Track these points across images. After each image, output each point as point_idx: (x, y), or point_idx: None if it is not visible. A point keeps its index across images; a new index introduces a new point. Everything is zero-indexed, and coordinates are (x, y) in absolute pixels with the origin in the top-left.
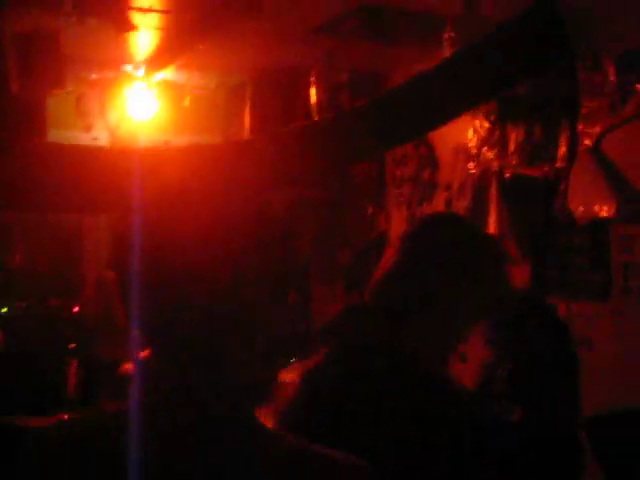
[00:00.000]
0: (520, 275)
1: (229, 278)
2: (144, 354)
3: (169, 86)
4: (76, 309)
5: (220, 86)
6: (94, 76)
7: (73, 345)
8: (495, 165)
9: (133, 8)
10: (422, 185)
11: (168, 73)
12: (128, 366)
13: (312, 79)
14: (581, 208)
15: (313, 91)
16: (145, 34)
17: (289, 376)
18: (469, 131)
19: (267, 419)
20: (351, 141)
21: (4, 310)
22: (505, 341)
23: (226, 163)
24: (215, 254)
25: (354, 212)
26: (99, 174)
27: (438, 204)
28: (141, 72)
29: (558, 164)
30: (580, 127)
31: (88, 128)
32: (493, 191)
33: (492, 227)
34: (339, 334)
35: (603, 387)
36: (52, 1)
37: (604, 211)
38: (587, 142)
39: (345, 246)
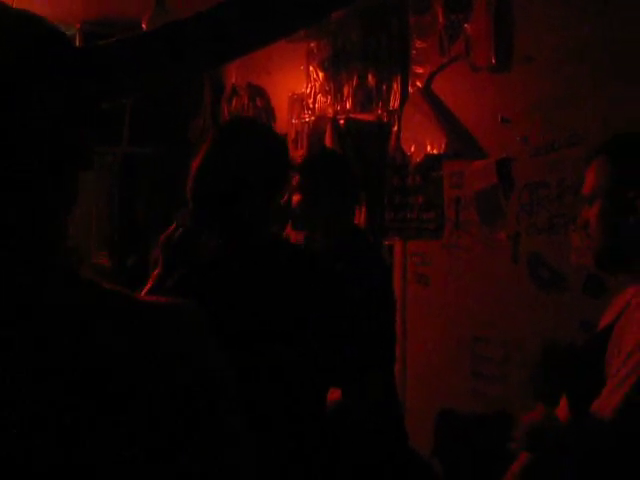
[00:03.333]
0: (357, 217)
1: None
2: None
3: None
4: None
5: None
6: None
7: None
8: (330, 112)
9: None
10: None
11: None
12: None
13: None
14: (413, 148)
15: None
16: None
17: None
18: (304, 81)
19: None
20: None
21: None
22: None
23: None
24: None
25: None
26: None
27: None
28: None
29: (390, 106)
30: (411, 69)
31: None
32: (328, 137)
33: None
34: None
35: (439, 319)
36: None
37: (435, 148)
38: (418, 83)
39: None
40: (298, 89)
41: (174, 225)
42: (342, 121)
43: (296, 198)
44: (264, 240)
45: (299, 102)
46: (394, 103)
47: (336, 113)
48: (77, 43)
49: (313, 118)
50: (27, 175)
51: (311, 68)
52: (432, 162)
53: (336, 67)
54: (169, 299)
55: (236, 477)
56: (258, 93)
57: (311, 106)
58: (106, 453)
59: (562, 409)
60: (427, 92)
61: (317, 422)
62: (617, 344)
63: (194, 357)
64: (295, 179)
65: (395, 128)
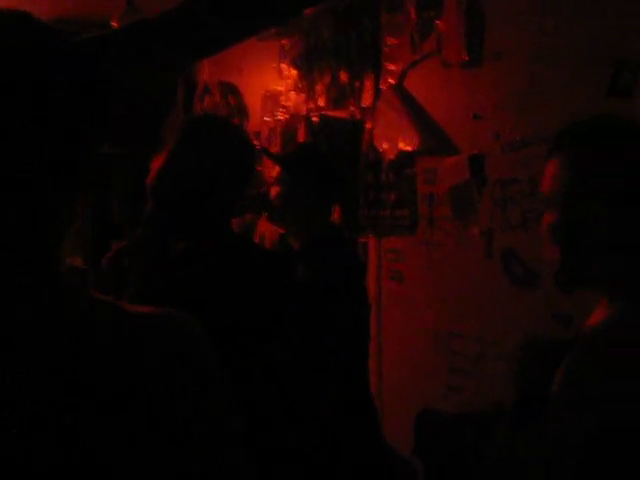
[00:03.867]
0: (332, 215)
1: None
2: None
3: None
4: None
5: None
6: None
7: None
8: (303, 109)
9: None
10: None
11: None
12: None
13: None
14: (386, 145)
15: None
16: None
17: None
18: (277, 78)
19: None
20: None
21: None
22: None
23: None
24: None
25: None
26: None
27: None
28: None
29: (363, 104)
30: (383, 65)
31: None
32: (301, 135)
33: None
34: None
35: (414, 316)
36: None
37: (408, 145)
38: (390, 80)
39: None
40: (271, 87)
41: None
42: (315, 119)
43: (275, 190)
44: (235, 237)
45: (272, 100)
46: (367, 100)
47: (309, 111)
48: None
49: (286, 116)
50: (27, 175)
51: (284, 66)
52: (405, 159)
53: (309, 64)
54: (162, 307)
55: (236, 477)
56: (231, 91)
57: (284, 104)
58: (106, 453)
59: None
60: (399, 89)
61: (316, 422)
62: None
63: (193, 357)
64: (275, 170)
65: (368, 125)
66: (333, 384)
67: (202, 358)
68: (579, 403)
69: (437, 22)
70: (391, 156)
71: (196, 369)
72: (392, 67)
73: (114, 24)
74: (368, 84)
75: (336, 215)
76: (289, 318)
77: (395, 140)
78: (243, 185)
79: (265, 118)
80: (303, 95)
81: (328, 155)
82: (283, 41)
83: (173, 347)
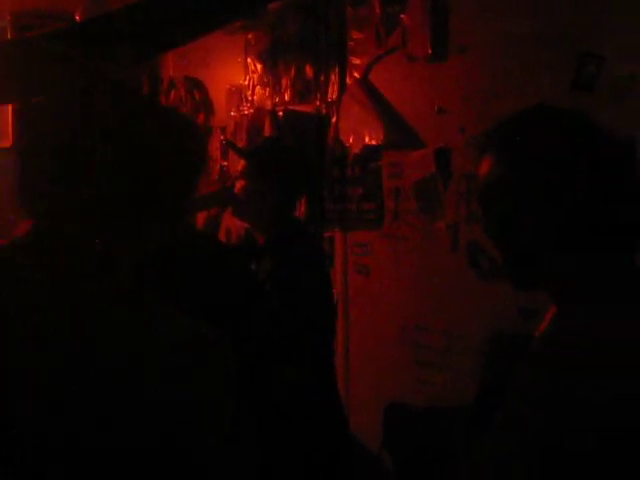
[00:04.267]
0: (297, 209)
1: None
2: None
3: None
4: None
5: None
6: None
7: None
8: (269, 104)
9: None
10: None
11: None
12: None
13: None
14: (352, 139)
15: None
16: None
17: None
18: (242, 73)
19: None
20: None
21: None
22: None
23: None
24: None
25: None
26: None
27: (214, 147)
28: None
29: (329, 98)
30: (348, 60)
31: None
32: (267, 129)
33: None
34: None
35: (381, 309)
36: None
37: (373, 139)
38: (356, 74)
39: None
40: (236, 81)
41: None
42: (281, 113)
43: (240, 184)
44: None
45: (237, 94)
46: (332, 94)
47: (275, 105)
48: (8, 35)
49: (252, 110)
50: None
51: (249, 60)
52: (371, 153)
53: (274, 59)
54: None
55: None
56: (196, 86)
57: (250, 98)
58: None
59: None
60: (365, 83)
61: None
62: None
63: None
64: (240, 164)
65: (334, 119)
66: (292, 372)
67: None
68: (526, 405)
69: (402, 16)
70: (357, 150)
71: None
72: (357, 61)
73: (77, 17)
74: (333, 78)
75: (302, 209)
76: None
77: (361, 134)
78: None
79: (231, 113)
80: (268, 89)
81: (293, 149)
82: (249, 35)
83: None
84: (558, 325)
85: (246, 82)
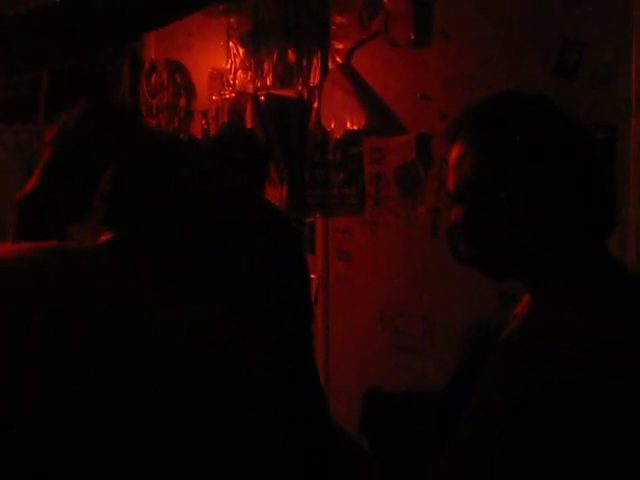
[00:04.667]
0: (278, 194)
1: None
2: None
3: None
4: None
5: None
6: None
7: None
8: (250, 88)
9: None
10: (179, 113)
11: None
12: None
13: None
14: (333, 124)
15: None
16: None
17: None
18: (224, 56)
19: None
20: None
21: None
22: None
23: None
24: None
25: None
26: None
27: (196, 131)
28: None
29: (311, 82)
30: (331, 44)
31: None
32: (249, 114)
33: None
34: None
35: (361, 296)
36: None
37: (355, 124)
38: (338, 59)
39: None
40: (218, 65)
41: None
42: (263, 97)
43: None
44: None
45: (219, 78)
46: (314, 79)
47: (257, 89)
48: None
49: (234, 94)
50: None
51: (231, 44)
52: (352, 138)
53: (256, 43)
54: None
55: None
56: (177, 69)
57: (231, 82)
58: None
59: None
60: (347, 68)
61: None
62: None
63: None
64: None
65: (316, 104)
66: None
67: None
68: (499, 396)
69: (385, 1)
70: (338, 135)
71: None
72: (340, 46)
73: None
74: (316, 63)
75: (283, 195)
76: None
77: (342, 119)
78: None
79: (212, 97)
80: (250, 73)
81: (251, 133)
82: (231, 19)
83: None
84: (532, 317)
85: (228, 66)
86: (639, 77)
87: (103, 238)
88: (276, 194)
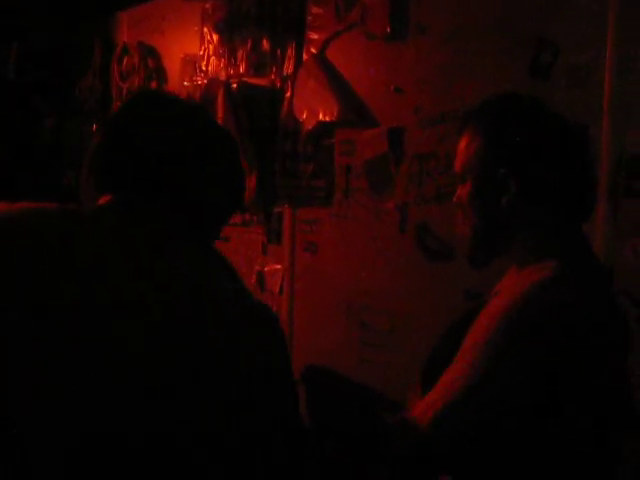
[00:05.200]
0: (248, 184)
1: None
2: None
3: None
4: None
5: None
6: None
7: None
8: (223, 75)
9: None
10: None
11: None
12: None
13: None
14: (305, 114)
15: None
16: None
17: None
18: (198, 42)
19: None
20: None
21: None
22: None
23: None
24: None
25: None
26: None
27: None
28: None
29: (284, 72)
30: (306, 34)
31: None
32: (220, 101)
33: None
34: None
35: (327, 288)
36: None
37: (327, 116)
38: (312, 49)
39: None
40: (191, 51)
41: None
42: (235, 85)
43: None
44: None
45: (192, 64)
46: (288, 69)
47: (229, 77)
48: None
49: (205, 81)
50: None
51: (205, 30)
52: (324, 129)
53: (230, 30)
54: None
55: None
56: (150, 53)
57: (204, 69)
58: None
59: None
60: (321, 59)
61: None
62: (474, 328)
63: (269, 351)
64: None
65: (288, 94)
66: None
67: (277, 354)
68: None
69: None
70: (310, 126)
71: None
72: (315, 36)
73: None
74: (290, 52)
75: (252, 184)
76: None
77: (315, 110)
78: None
79: (184, 82)
80: (224, 61)
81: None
82: (206, 4)
83: (257, 336)
84: (530, 273)
85: (201, 52)
86: (612, 79)
87: (102, 201)
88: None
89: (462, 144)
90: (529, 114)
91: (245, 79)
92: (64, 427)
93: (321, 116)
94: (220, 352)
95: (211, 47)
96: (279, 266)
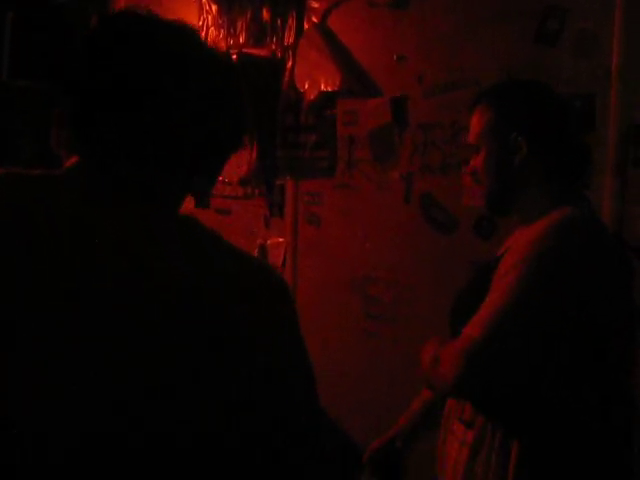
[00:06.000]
0: (249, 156)
1: None
2: None
3: None
4: None
5: None
6: None
7: None
8: (222, 46)
9: None
10: None
11: None
12: None
13: None
14: (307, 85)
15: None
16: None
17: None
18: (196, 12)
19: None
20: None
21: None
22: None
23: None
24: None
25: None
26: None
27: None
28: None
29: (285, 42)
30: (307, 3)
31: None
32: None
33: None
34: None
35: (331, 261)
36: None
37: (329, 86)
38: (314, 18)
39: None
40: (190, 21)
41: None
42: (235, 56)
43: None
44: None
45: None
46: (289, 38)
47: (229, 47)
48: None
49: None
50: None
51: (204, 0)
52: (326, 100)
53: (230, 0)
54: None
55: (297, 428)
56: None
57: (203, 39)
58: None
59: None
60: (323, 28)
61: None
62: (499, 275)
63: (280, 312)
64: None
65: (289, 64)
66: None
67: (287, 316)
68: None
69: None
70: (312, 96)
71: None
72: (316, 5)
73: None
74: (291, 22)
75: (253, 156)
76: None
77: (316, 80)
78: None
79: None
80: (223, 31)
81: None
82: None
83: (264, 299)
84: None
85: (200, 22)
86: (620, 45)
87: (69, 163)
88: (246, 155)
89: (474, 119)
90: (533, 90)
91: (245, 50)
92: (64, 427)
93: (323, 86)
94: (220, 351)
95: (210, 17)
96: (282, 239)
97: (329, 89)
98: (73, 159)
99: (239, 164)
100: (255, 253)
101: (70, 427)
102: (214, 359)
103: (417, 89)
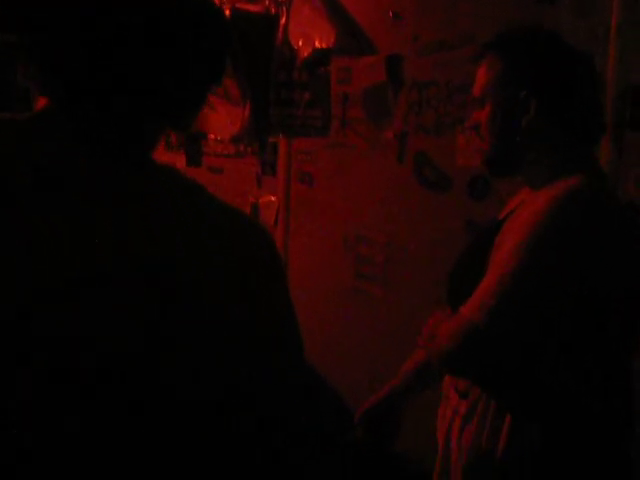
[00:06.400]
0: (241, 114)
1: None
2: None
3: None
4: None
5: None
6: None
7: None
8: (215, 1)
9: None
10: None
11: None
12: None
13: None
14: (301, 42)
15: None
16: None
17: None
18: None
19: None
20: None
21: None
22: None
23: None
24: None
25: None
26: None
27: None
28: None
29: None
30: None
31: None
32: None
33: None
34: None
35: (323, 220)
36: None
37: (323, 43)
38: None
39: None
40: None
41: None
42: (227, 11)
43: None
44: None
45: None
46: None
47: (221, 3)
48: None
49: None
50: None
51: None
52: (320, 57)
53: None
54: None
55: (283, 380)
56: None
57: None
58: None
59: None
60: None
61: None
62: (501, 240)
63: (263, 264)
64: None
65: (283, 21)
66: None
67: (272, 266)
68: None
69: None
70: (305, 54)
71: (264, 275)
72: None
73: None
74: None
75: (246, 114)
76: None
77: (310, 37)
78: None
79: None
80: None
81: None
82: None
83: (249, 251)
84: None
85: None
86: (619, 7)
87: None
88: (239, 112)
89: (482, 70)
90: (547, 43)
91: (238, 5)
92: (64, 427)
93: (317, 43)
94: (220, 350)
95: None
96: (274, 198)
97: (323, 46)
98: (42, 101)
99: (232, 121)
100: (247, 212)
101: (70, 427)
102: (214, 358)
103: (412, 48)
